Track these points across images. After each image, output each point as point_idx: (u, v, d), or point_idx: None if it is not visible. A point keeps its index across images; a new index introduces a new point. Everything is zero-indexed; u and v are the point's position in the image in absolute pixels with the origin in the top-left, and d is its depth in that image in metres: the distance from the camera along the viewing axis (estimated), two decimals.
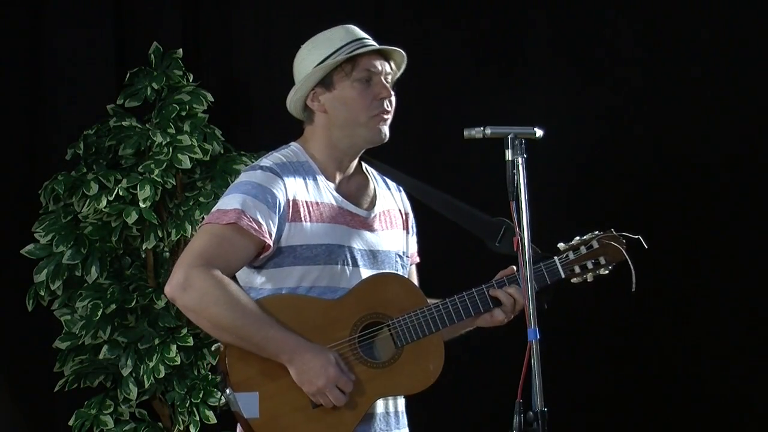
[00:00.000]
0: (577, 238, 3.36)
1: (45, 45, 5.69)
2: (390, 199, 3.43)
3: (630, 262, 3.29)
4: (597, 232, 3.36)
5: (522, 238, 3.04)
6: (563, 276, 3.32)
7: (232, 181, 5.15)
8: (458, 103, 5.56)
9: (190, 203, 5.18)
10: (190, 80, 5.39)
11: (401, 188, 3.48)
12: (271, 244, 3.20)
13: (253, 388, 3.14)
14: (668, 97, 5.70)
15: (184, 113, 5.27)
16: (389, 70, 3.34)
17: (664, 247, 5.37)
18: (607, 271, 3.34)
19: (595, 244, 3.34)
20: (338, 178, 3.34)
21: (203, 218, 5.03)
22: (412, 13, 5.79)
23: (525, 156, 3.05)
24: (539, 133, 3.10)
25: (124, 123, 5.27)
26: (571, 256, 3.33)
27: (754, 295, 5.58)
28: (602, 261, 3.33)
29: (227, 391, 3.14)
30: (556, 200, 5.51)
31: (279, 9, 5.85)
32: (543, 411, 2.93)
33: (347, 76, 3.29)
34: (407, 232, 3.46)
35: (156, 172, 5.11)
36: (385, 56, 3.35)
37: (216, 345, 3.21)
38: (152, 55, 5.36)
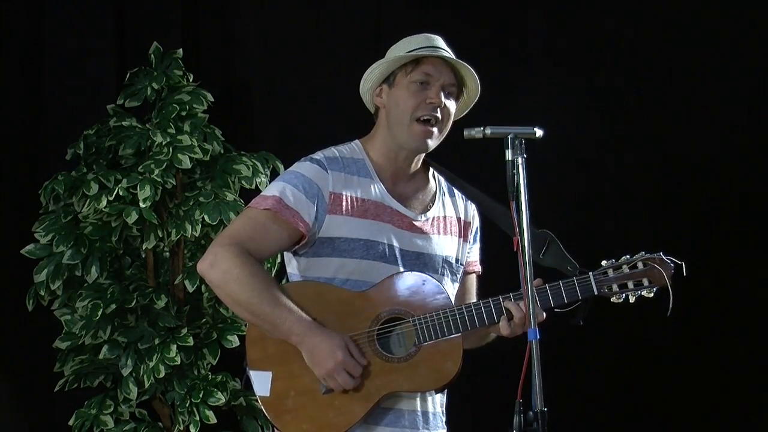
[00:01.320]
0: (624, 257, 3.32)
1: (45, 45, 5.69)
2: (450, 207, 3.46)
3: (671, 290, 3.26)
4: (643, 253, 3.33)
5: (522, 239, 3.04)
6: (596, 292, 3.29)
7: (232, 181, 5.21)
8: None
9: (190, 203, 5.18)
10: (190, 80, 5.38)
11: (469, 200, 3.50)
12: (306, 234, 3.28)
13: (268, 368, 3.25)
14: (669, 97, 5.70)
15: (184, 113, 5.27)
16: (452, 82, 3.36)
17: (664, 246, 5.36)
18: (651, 294, 3.30)
19: (640, 266, 3.31)
20: (393, 178, 3.39)
21: (203, 218, 5.07)
22: (412, 14, 5.79)
23: (525, 156, 3.05)
24: (539, 133, 3.10)
25: (124, 123, 5.26)
26: (611, 274, 3.30)
27: (753, 293, 5.58)
28: (645, 283, 3.30)
29: (246, 368, 3.26)
30: (556, 200, 5.51)
31: (279, 9, 5.85)
32: (543, 411, 2.93)
33: (406, 76, 3.34)
34: (464, 241, 3.47)
35: (156, 172, 5.11)
36: (456, 72, 3.37)
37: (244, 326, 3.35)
38: (152, 55, 5.35)
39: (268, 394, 3.24)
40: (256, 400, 3.30)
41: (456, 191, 3.49)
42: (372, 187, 3.35)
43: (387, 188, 3.36)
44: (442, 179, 3.48)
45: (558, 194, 5.57)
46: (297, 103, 5.76)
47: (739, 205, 5.62)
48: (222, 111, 5.53)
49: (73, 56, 5.68)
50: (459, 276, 3.45)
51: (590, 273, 3.30)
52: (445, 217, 3.43)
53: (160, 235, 5.19)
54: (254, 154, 5.29)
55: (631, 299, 3.31)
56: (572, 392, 5.47)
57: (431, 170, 3.46)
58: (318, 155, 3.36)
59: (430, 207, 3.42)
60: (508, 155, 3.07)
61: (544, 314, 3.26)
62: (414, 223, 3.36)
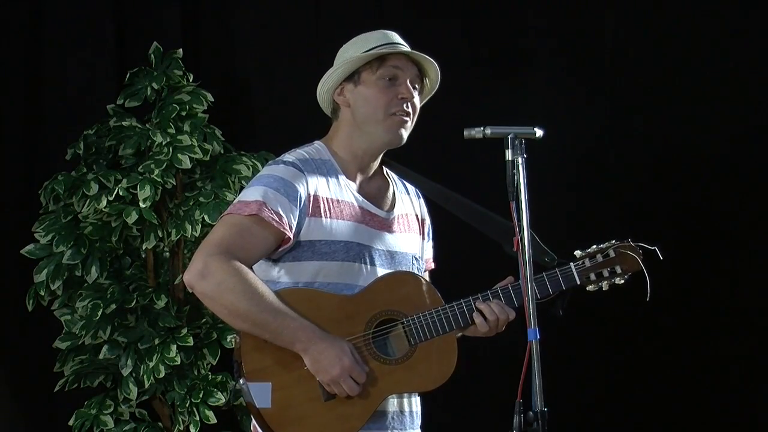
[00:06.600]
0: (594, 246, 3.35)
1: (45, 45, 5.70)
2: (408, 204, 3.47)
3: (646, 273, 3.28)
4: (614, 241, 3.36)
5: (522, 239, 3.04)
6: (579, 282, 3.32)
7: (232, 181, 5.20)
8: (458, 103, 5.57)
9: (190, 203, 5.18)
10: (190, 80, 5.39)
11: (420, 194, 3.51)
12: (291, 237, 3.23)
13: (267, 378, 3.17)
14: (668, 98, 5.70)
15: (184, 113, 5.27)
16: (417, 76, 3.37)
17: (662, 245, 5.36)
18: (623, 281, 3.34)
19: (612, 253, 3.34)
20: (359, 178, 3.37)
21: (203, 218, 5.07)
22: (413, 14, 5.79)
23: (525, 156, 3.06)
24: (539, 133, 3.10)
25: (124, 123, 5.27)
26: (587, 263, 3.33)
27: (752, 293, 5.58)
28: (618, 270, 3.34)
29: (241, 381, 3.18)
30: (556, 200, 5.51)
31: (279, 9, 5.85)
32: (543, 411, 2.94)
33: (373, 73, 3.33)
34: (423, 238, 3.49)
35: (156, 172, 5.11)
36: (418, 66, 3.38)
37: (231, 336, 3.23)
38: (152, 55, 5.36)
39: (269, 406, 3.16)
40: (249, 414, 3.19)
41: (408, 187, 3.50)
42: (343, 187, 3.32)
43: (356, 188, 3.35)
44: (394, 176, 3.48)
45: (557, 193, 5.57)
46: (297, 103, 5.75)
47: (739, 204, 5.62)
48: (222, 111, 5.53)
49: (73, 56, 5.69)
50: (422, 273, 3.45)
51: (570, 263, 3.33)
52: (406, 214, 3.44)
53: (160, 235, 5.19)
54: (254, 154, 5.29)
55: (605, 287, 3.34)
56: (572, 392, 5.47)
57: (384, 168, 3.46)
58: (288, 157, 3.32)
59: (394, 204, 3.41)
60: (508, 155, 3.07)
61: (514, 313, 3.28)
62: (385, 222, 3.36)
